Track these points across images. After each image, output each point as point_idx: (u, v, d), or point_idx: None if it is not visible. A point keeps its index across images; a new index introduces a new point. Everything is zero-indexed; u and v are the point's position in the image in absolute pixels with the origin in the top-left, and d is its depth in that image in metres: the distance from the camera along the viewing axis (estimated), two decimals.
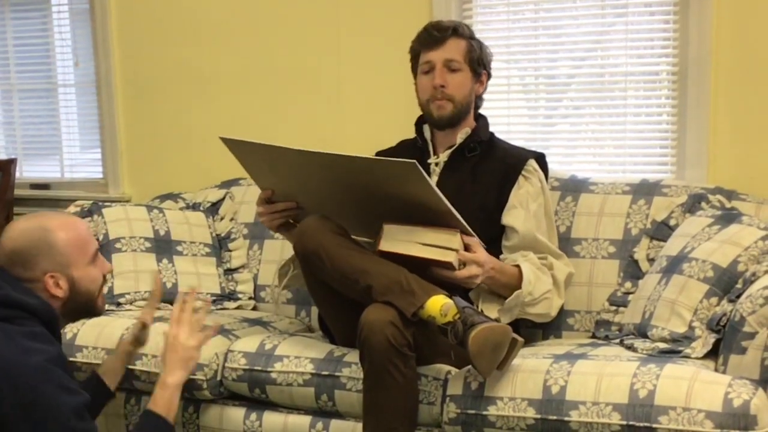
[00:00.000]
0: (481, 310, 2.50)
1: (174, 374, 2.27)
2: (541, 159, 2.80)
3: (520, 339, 2.31)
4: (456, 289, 2.42)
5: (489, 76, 2.80)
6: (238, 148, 2.65)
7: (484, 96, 2.84)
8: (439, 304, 2.30)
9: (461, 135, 2.76)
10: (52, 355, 2.05)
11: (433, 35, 2.71)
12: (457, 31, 2.71)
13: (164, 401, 2.24)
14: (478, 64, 2.74)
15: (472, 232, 2.48)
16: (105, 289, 2.34)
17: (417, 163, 2.30)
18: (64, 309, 2.21)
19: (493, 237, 2.64)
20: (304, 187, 2.58)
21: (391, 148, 2.93)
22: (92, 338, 2.80)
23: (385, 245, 2.43)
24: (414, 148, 2.84)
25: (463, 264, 2.42)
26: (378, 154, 2.94)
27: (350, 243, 2.50)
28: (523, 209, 2.68)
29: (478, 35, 2.82)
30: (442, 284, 2.40)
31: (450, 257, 2.39)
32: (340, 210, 2.54)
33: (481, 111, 2.85)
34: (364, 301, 2.37)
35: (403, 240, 2.41)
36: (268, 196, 2.66)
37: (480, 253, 2.45)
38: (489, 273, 2.47)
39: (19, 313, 2.08)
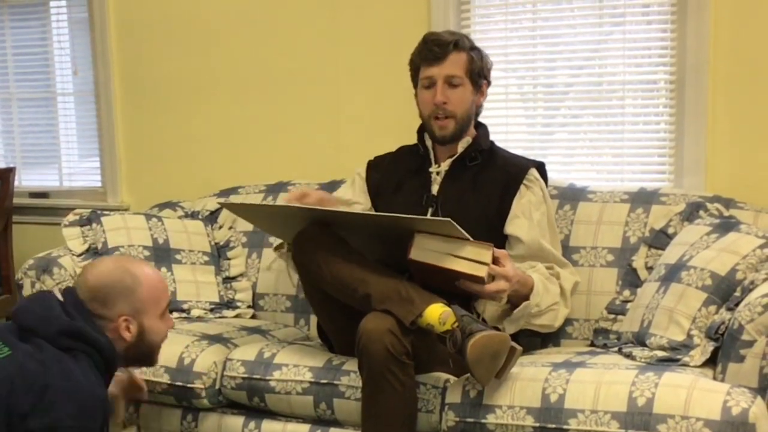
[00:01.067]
0: (483, 319, 2.50)
1: None
2: (541, 168, 2.80)
3: (519, 347, 2.31)
4: (456, 296, 2.41)
5: (489, 83, 2.79)
6: (239, 210, 2.73)
7: (483, 103, 2.83)
8: (437, 313, 2.30)
9: (462, 144, 2.76)
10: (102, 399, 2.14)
11: (433, 51, 2.68)
12: (457, 45, 2.68)
13: None
14: (479, 75, 2.72)
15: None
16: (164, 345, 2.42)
17: (452, 220, 2.34)
18: (126, 353, 2.30)
19: (495, 246, 2.64)
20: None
21: (390, 153, 2.93)
22: None
23: (415, 254, 2.40)
24: (415, 156, 2.83)
25: (492, 278, 2.39)
26: (376, 158, 2.94)
27: (348, 252, 2.50)
28: (526, 219, 2.67)
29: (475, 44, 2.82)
30: (441, 292, 2.40)
31: (481, 272, 2.35)
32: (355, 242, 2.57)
33: (480, 120, 2.84)
34: (363, 309, 2.37)
35: (434, 251, 2.39)
36: None
37: (508, 266, 2.40)
38: (514, 287, 2.44)
39: (83, 347, 2.16)
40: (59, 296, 2.28)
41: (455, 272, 2.37)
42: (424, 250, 2.40)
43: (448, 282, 2.40)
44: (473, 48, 2.73)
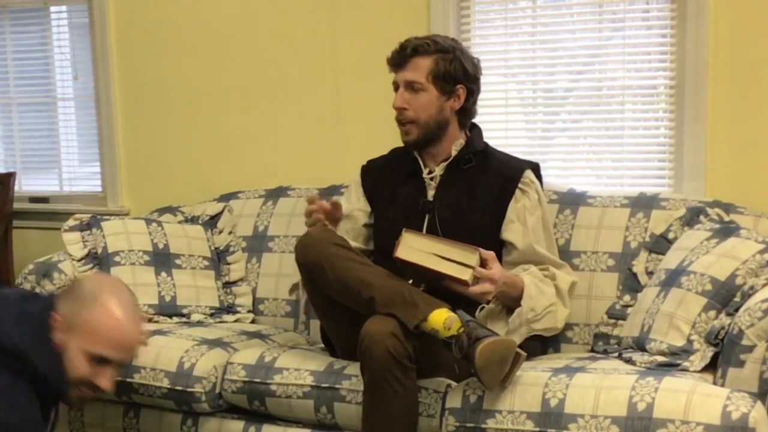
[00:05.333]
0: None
1: None
2: (536, 169, 2.79)
3: (523, 353, 2.31)
4: (460, 302, 2.41)
5: (470, 89, 2.70)
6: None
7: (480, 109, 2.80)
8: (442, 318, 2.30)
9: (455, 147, 2.74)
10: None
11: (394, 57, 2.70)
12: (417, 51, 2.66)
13: None
14: (446, 80, 2.66)
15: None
16: (83, 397, 2.24)
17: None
18: None
19: (492, 250, 2.64)
20: None
21: (383, 156, 2.91)
22: None
23: (402, 252, 2.43)
24: (407, 159, 2.80)
25: (477, 279, 2.40)
26: (369, 162, 2.93)
27: (353, 255, 2.50)
28: (521, 224, 2.67)
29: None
30: (447, 297, 2.40)
31: (466, 275, 2.38)
32: None
33: (478, 124, 2.83)
34: (367, 312, 2.37)
35: (421, 250, 2.42)
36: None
37: (495, 269, 2.41)
38: (501, 288, 2.44)
39: (8, 362, 2.07)
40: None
41: (440, 273, 2.39)
42: (411, 249, 2.43)
43: (434, 281, 2.43)
44: (443, 51, 2.67)
